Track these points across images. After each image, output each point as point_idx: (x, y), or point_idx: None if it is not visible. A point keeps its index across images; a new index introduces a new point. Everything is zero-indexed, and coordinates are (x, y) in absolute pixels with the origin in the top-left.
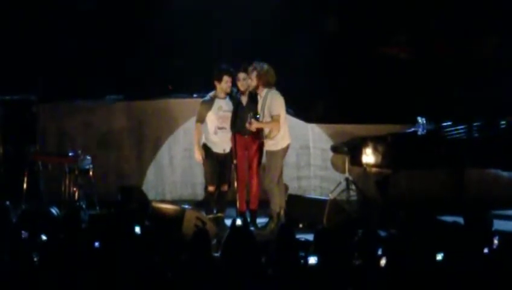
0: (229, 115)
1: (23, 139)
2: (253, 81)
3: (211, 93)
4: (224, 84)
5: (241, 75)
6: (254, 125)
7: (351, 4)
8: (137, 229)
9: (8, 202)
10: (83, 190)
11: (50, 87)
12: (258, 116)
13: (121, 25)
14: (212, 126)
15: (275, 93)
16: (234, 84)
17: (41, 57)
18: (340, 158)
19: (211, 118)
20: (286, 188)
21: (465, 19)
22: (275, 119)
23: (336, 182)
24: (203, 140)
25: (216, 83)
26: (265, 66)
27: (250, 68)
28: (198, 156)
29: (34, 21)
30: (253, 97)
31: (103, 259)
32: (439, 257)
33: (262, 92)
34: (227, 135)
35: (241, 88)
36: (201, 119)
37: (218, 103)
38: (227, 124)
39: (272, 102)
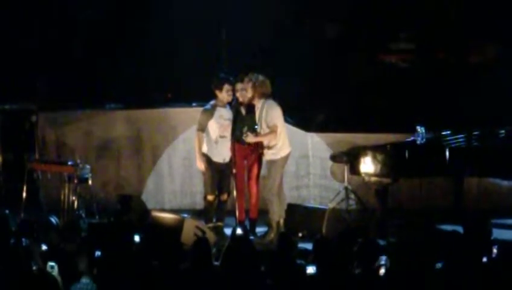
0: (230, 123)
1: (23, 147)
2: (248, 93)
3: (212, 102)
4: (225, 93)
5: (239, 86)
6: (249, 139)
7: (351, 12)
8: (137, 238)
9: (7, 211)
10: (82, 198)
11: (49, 96)
12: (256, 126)
13: (120, 33)
14: (213, 135)
15: (271, 104)
16: (235, 93)
17: (40, 66)
18: (340, 167)
19: (213, 126)
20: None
21: (465, 25)
22: (271, 129)
23: (335, 191)
24: (204, 149)
25: (217, 92)
26: (261, 77)
27: (246, 79)
28: (200, 164)
29: (33, 30)
30: (252, 107)
31: (102, 268)
32: (438, 266)
33: (259, 103)
34: (228, 143)
35: (240, 98)
36: (202, 128)
37: (219, 111)
38: (228, 133)
39: (268, 113)
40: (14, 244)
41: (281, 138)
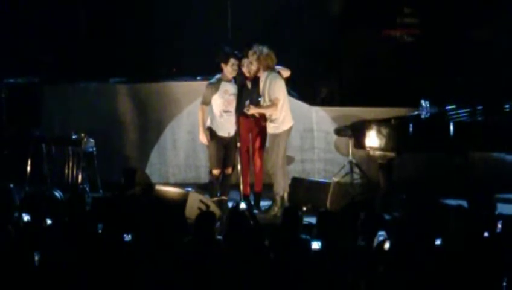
0: (234, 98)
1: (27, 121)
2: (253, 65)
3: (217, 76)
4: (231, 67)
5: (245, 61)
6: (251, 111)
7: None
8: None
9: (11, 185)
10: (86, 172)
11: (54, 70)
12: (259, 98)
13: (125, 6)
14: (217, 109)
15: (275, 77)
16: (240, 68)
17: (45, 39)
18: (344, 141)
19: (217, 101)
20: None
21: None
22: (273, 102)
23: (339, 165)
24: (208, 123)
25: (223, 65)
26: (265, 50)
27: (251, 52)
28: (203, 137)
29: (39, 3)
30: (257, 81)
31: (106, 242)
32: (439, 241)
33: (263, 76)
34: (232, 118)
35: (246, 73)
36: (206, 102)
37: (224, 86)
38: (232, 107)
39: (271, 85)
40: (18, 218)
41: (283, 112)
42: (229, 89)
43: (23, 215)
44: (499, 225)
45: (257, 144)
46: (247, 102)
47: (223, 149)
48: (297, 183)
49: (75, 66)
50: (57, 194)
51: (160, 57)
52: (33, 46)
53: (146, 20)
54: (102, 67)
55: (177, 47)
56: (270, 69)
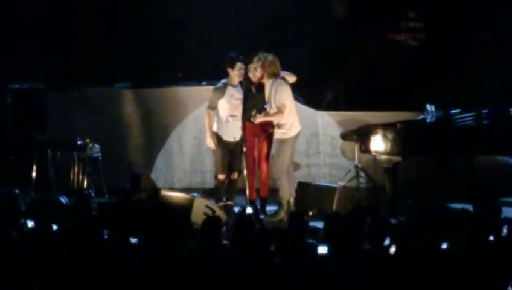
0: (240, 103)
1: (33, 127)
2: (258, 72)
3: (223, 81)
4: (237, 71)
5: (251, 66)
6: (258, 120)
7: None
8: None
9: (17, 190)
10: (92, 178)
11: (59, 75)
12: (265, 105)
13: (129, 12)
14: (224, 114)
15: (280, 83)
16: (246, 73)
17: (50, 45)
18: (350, 146)
19: (224, 106)
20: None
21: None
22: (279, 109)
23: (345, 169)
24: (214, 128)
25: (229, 70)
26: (270, 57)
27: (255, 58)
28: (210, 142)
29: (42, 8)
30: (262, 86)
31: (112, 247)
32: (445, 245)
33: (268, 83)
34: (238, 122)
35: (253, 79)
36: (213, 106)
37: (230, 90)
38: (238, 112)
39: (277, 92)
40: (23, 224)
41: (291, 117)
42: (235, 94)
43: (28, 221)
44: (504, 229)
45: (263, 149)
46: (254, 111)
47: (229, 154)
48: (303, 188)
49: (76, 68)
50: (63, 199)
51: (161, 59)
52: (33, 47)
53: (146, 20)
54: (103, 69)
55: (178, 48)
56: (274, 76)
